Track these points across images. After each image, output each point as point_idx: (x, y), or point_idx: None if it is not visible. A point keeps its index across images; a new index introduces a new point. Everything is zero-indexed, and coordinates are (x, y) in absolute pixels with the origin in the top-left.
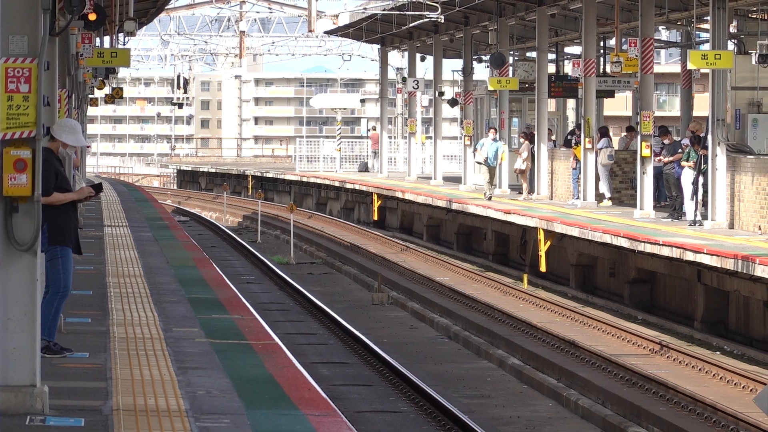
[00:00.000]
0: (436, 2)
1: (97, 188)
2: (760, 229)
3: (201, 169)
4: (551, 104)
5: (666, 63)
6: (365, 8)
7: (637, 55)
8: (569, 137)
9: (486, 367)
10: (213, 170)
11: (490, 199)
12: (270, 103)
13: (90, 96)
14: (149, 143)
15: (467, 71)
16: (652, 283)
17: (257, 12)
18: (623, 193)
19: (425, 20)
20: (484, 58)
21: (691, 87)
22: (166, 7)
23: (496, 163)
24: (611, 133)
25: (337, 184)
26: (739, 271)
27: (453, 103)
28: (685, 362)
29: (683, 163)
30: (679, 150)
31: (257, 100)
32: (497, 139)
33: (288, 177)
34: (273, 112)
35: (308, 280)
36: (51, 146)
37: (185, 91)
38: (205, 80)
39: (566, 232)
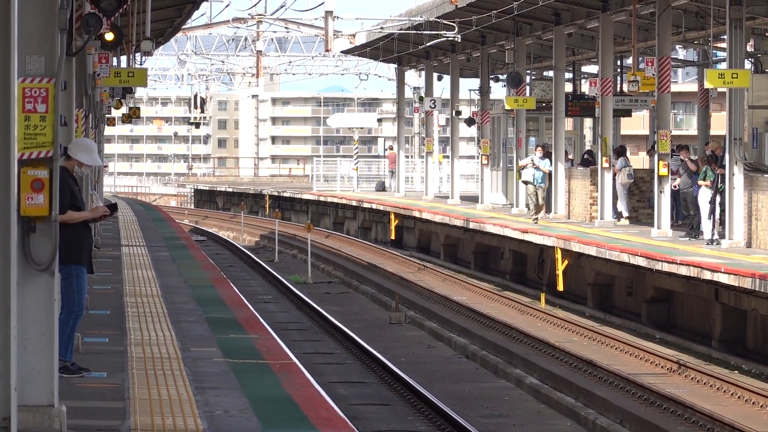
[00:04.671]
0: (453, 22)
1: (112, 208)
2: None
3: (218, 189)
4: (568, 123)
5: (683, 82)
6: (382, 28)
7: (654, 74)
8: (586, 156)
9: (504, 386)
10: (230, 190)
11: (535, 222)
12: (287, 123)
13: (107, 116)
14: (166, 163)
15: (484, 90)
16: (670, 302)
17: (274, 32)
18: (641, 212)
19: (442, 40)
20: (501, 77)
21: (708, 106)
22: (182, 27)
23: (545, 184)
24: (628, 153)
25: (354, 203)
26: (757, 290)
27: (470, 122)
28: (703, 381)
29: (700, 182)
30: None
31: (274, 120)
32: (544, 157)
33: (305, 196)
34: (290, 131)
35: (326, 300)
36: (66, 165)
37: (202, 111)
38: (222, 100)
39: (583, 251)
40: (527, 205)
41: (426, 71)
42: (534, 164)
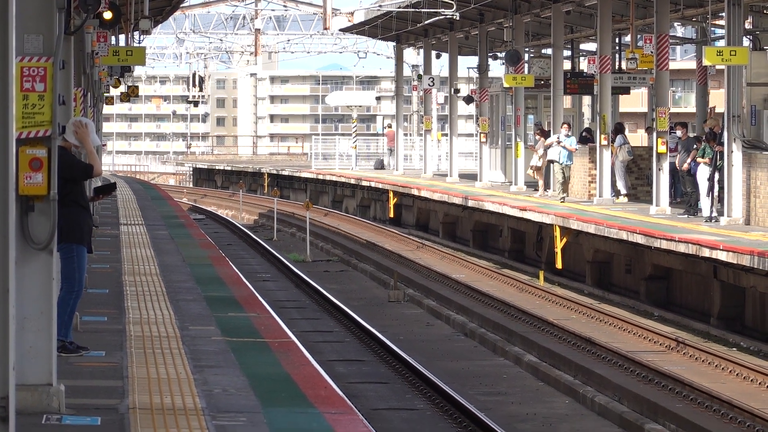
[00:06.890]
0: None
1: (110, 187)
2: None
3: (217, 167)
4: (567, 101)
5: (681, 59)
6: (381, 5)
7: (652, 52)
8: (584, 134)
9: (502, 364)
10: (229, 168)
11: (563, 201)
12: (285, 101)
13: (105, 94)
14: (165, 141)
15: (483, 68)
16: (669, 280)
17: (272, 10)
18: (639, 190)
19: (440, 17)
20: (499, 55)
21: (707, 83)
22: (181, 5)
23: (571, 162)
24: (626, 130)
25: (353, 181)
26: (756, 267)
27: (468, 100)
28: (702, 359)
29: (699, 159)
30: (694, 146)
31: (273, 98)
32: (570, 134)
33: (304, 175)
34: (288, 109)
35: (324, 278)
36: (64, 145)
37: (201, 89)
38: (221, 78)
39: (582, 228)
40: (556, 185)
41: (424, 49)
42: (560, 142)
